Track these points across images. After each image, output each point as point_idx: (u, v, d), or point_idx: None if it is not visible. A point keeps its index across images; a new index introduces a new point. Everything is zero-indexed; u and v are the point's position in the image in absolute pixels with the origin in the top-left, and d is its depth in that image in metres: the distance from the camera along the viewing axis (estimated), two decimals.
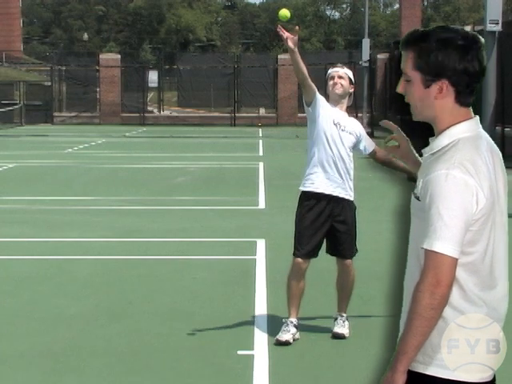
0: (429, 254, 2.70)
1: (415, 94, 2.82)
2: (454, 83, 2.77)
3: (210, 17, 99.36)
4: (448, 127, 2.81)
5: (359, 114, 35.15)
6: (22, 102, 48.01)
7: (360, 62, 41.43)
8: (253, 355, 6.49)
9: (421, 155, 3.00)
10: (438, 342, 2.75)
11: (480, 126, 2.88)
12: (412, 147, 3.27)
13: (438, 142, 2.82)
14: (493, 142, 2.91)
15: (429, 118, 2.85)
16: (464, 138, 2.79)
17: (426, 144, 2.95)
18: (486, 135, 2.89)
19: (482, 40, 2.81)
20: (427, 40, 2.77)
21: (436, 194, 2.70)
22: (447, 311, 2.73)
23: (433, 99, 2.80)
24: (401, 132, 3.28)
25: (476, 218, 2.72)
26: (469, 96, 2.81)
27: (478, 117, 2.87)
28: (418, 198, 2.79)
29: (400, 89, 2.88)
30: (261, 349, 6.65)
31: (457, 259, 2.69)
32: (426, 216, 2.73)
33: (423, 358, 2.77)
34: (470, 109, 2.85)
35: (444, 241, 2.67)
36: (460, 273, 2.73)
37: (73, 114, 48.98)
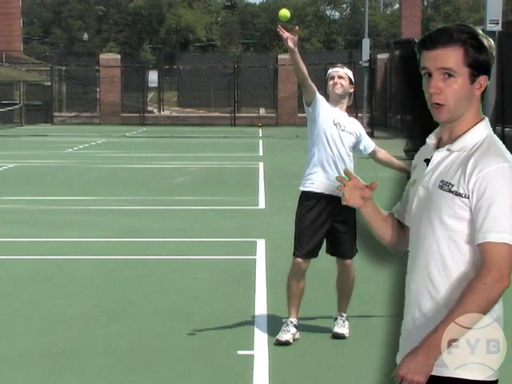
0: (495, 247, 2.65)
1: (460, 90, 2.77)
2: (488, 78, 2.80)
3: (210, 17, 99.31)
4: (475, 124, 2.81)
5: (359, 114, 35.09)
6: (22, 102, 47.97)
7: (360, 62, 41.37)
8: (253, 355, 6.49)
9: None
10: None
11: None
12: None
13: (470, 140, 2.80)
14: None
15: (459, 116, 2.81)
16: (490, 134, 2.82)
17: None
18: None
19: None
20: (476, 36, 2.76)
21: (501, 187, 2.68)
22: None
23: (473, 95, 2.80)
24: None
25: None
26: None
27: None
28: (464, 196, 2.73)
29: (436, 89, 2.77)
30: (261, 349, 6.65)
31: None
32: (476, 211, 2.69)
33: None
34: None
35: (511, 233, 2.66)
36: None
37: (73, 114, 48.94)
